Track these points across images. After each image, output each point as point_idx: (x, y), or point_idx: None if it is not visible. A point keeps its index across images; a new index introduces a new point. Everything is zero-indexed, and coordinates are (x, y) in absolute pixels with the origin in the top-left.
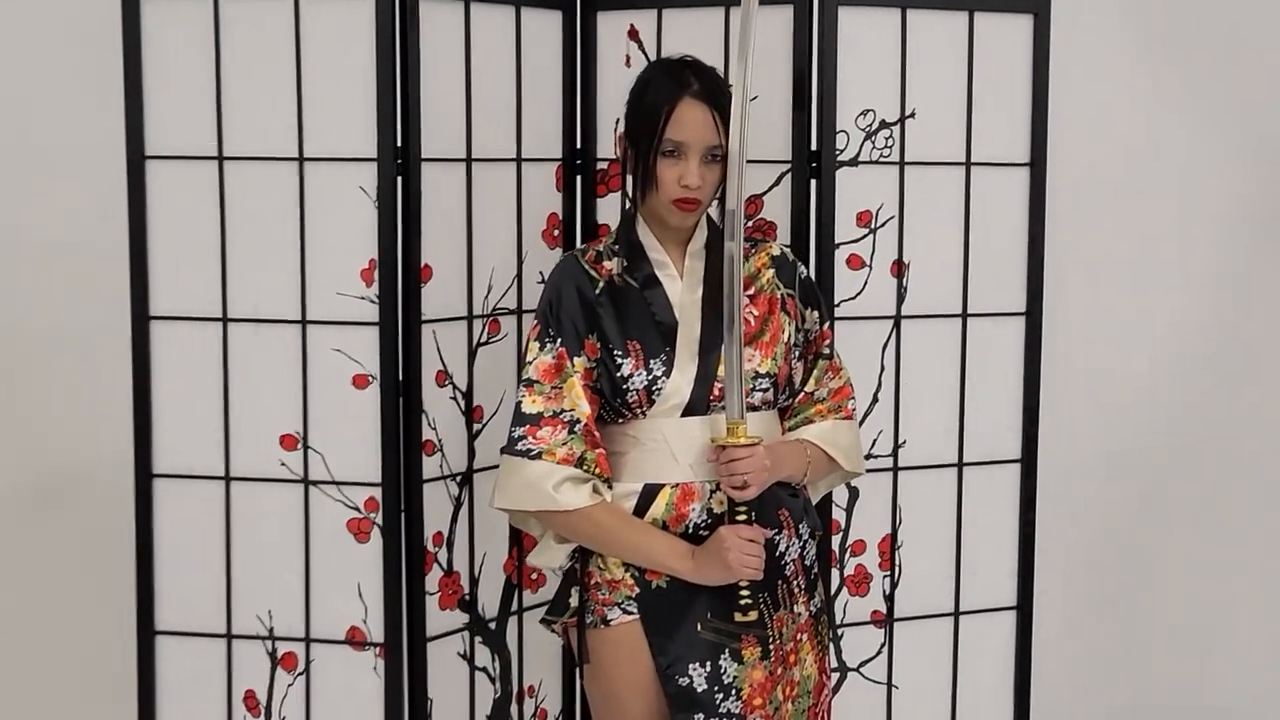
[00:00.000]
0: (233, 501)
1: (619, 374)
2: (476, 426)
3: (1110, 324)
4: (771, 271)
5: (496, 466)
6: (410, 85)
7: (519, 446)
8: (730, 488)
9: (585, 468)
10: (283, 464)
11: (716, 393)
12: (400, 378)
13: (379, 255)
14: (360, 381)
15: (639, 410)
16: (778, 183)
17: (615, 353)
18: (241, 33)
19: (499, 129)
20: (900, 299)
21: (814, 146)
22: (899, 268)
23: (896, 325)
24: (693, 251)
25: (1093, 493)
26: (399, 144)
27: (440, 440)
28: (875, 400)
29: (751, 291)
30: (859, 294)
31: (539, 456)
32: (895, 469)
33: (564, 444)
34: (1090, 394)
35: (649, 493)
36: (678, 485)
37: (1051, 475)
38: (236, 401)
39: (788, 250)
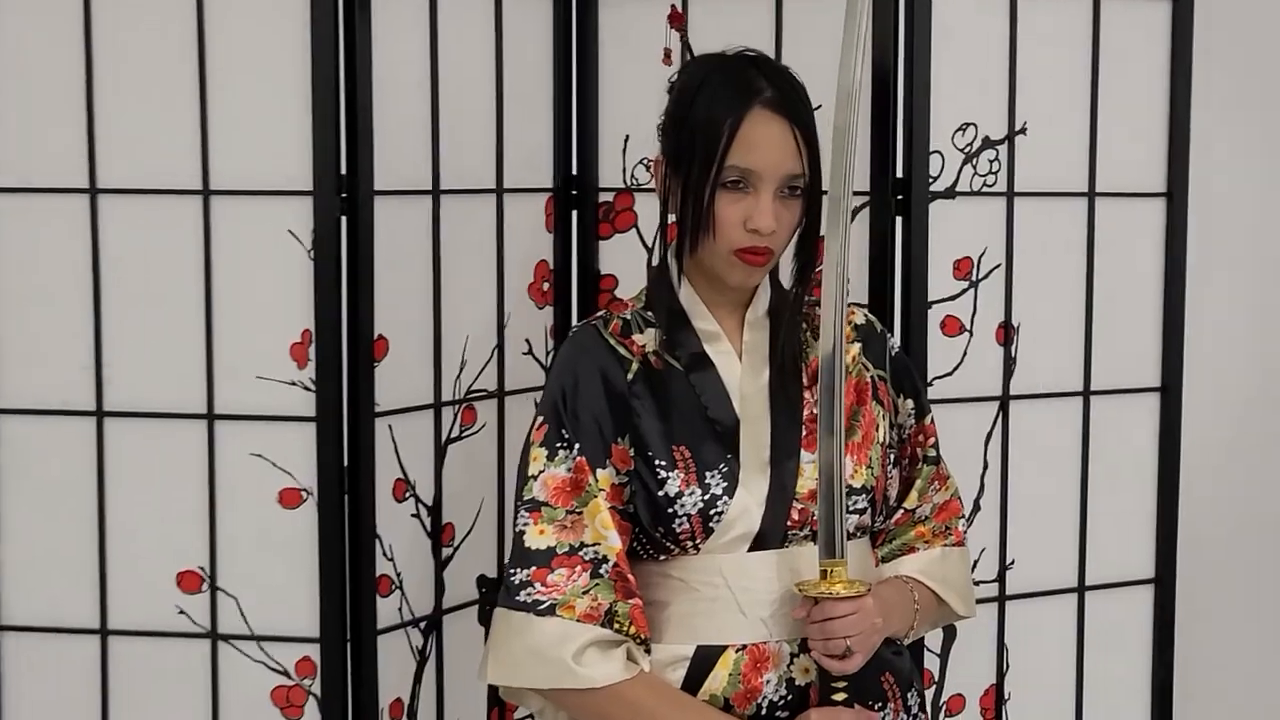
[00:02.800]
0: (111, 664)
1: (662, 493)
2: (447, 551)
3: (1269, 398)
4: (857, 346)
5: (471, 604)
6: (359, 93)
7: (522, 596)
8: (826, 655)
9: (617, 626)
10: (181, 612)
11: (795, 517)
12: (345, 491)
13: (316, 324)
14: (290, 498)
15: (690, 543)
16: (851, 220)
17: (657, 463)
18: (120, 24)
19: (474, 151)
20: (1008, 374)
21: (900, 173)
22: (1006, 332)
23: (1003, 408)
24: (752, 321)
25: (1242, 622)
26: (343, 172)
27: (399, 574)
28: (976, 508)
29: None
30: (956, 368)
31: (551, 611)
32: (1001, 598)
33: (586, 593)
34: (1244, 491)
35: (704, 658)
36: (745, 648)
37: (1194, 599)
38: (116, 526)
39: (873, 317)
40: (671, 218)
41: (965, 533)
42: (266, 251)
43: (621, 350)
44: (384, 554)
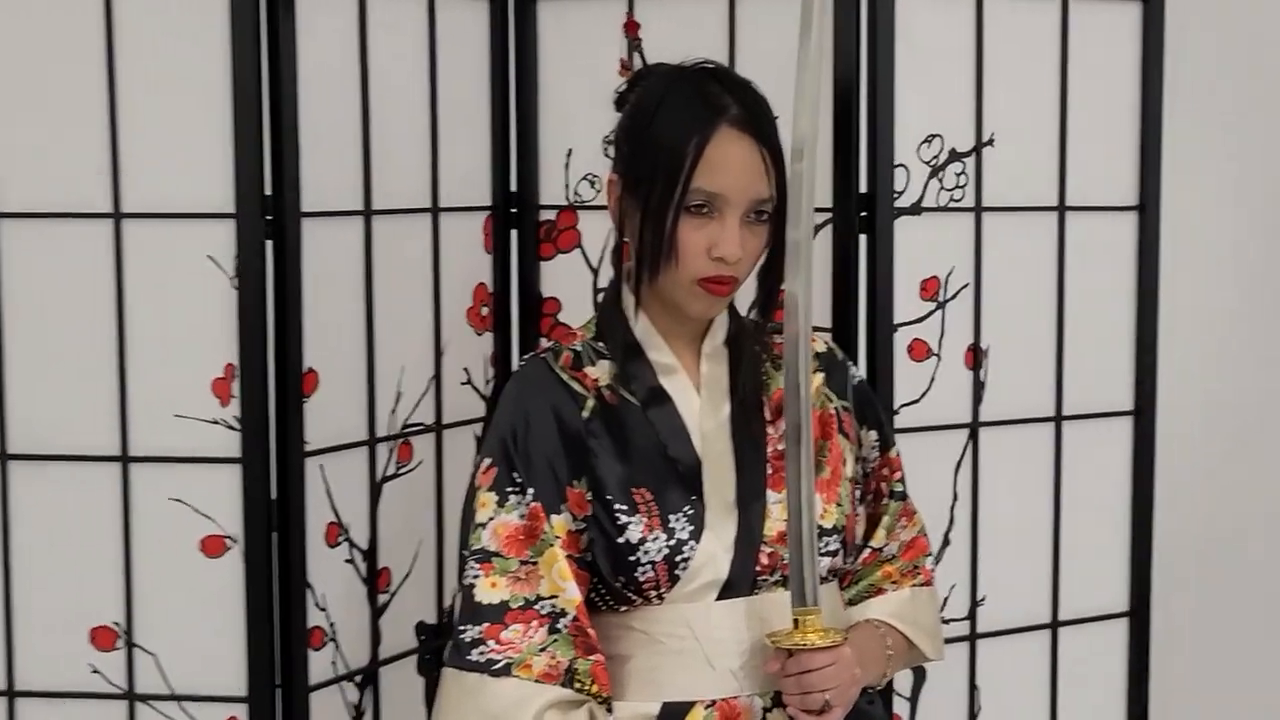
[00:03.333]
0: None
1: (623, 540)
2: (383, 598)
3: (1243, 421)
4: (820, 377)
5: (410, 654)
6: (283, 108)
7: (474, 655)
8: (804, 710)
9: (578, 685)
10: (95, 671)
11: (765, 562)
12: (273, 537)
13: (240, 357)
14: (213, 546)
15: (653, 593)
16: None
17: (616, 508)
18: (20, 32)
19: (408, 168)
20: (977, 399)
21: (863, 188)
22: (975, 356)
23: (973, 436)
24: (709, 352)
25: (1223, 654)
26: (267, 193)
27: (332, 625)
28: (946, 542)
29: None
30: (924, 395)
31: (507, 671)
32: (973, 637)
33: (543, 650)
34: (1220, 518)
35: (671, 716)
36: (714, 704)
37: (1170, 631)
38: (23, 579)
39: (834, 345)
40: (626, 241)
41: (933, 571)
42: (185, 279)
43: (575, 385)
44: (316, 603)
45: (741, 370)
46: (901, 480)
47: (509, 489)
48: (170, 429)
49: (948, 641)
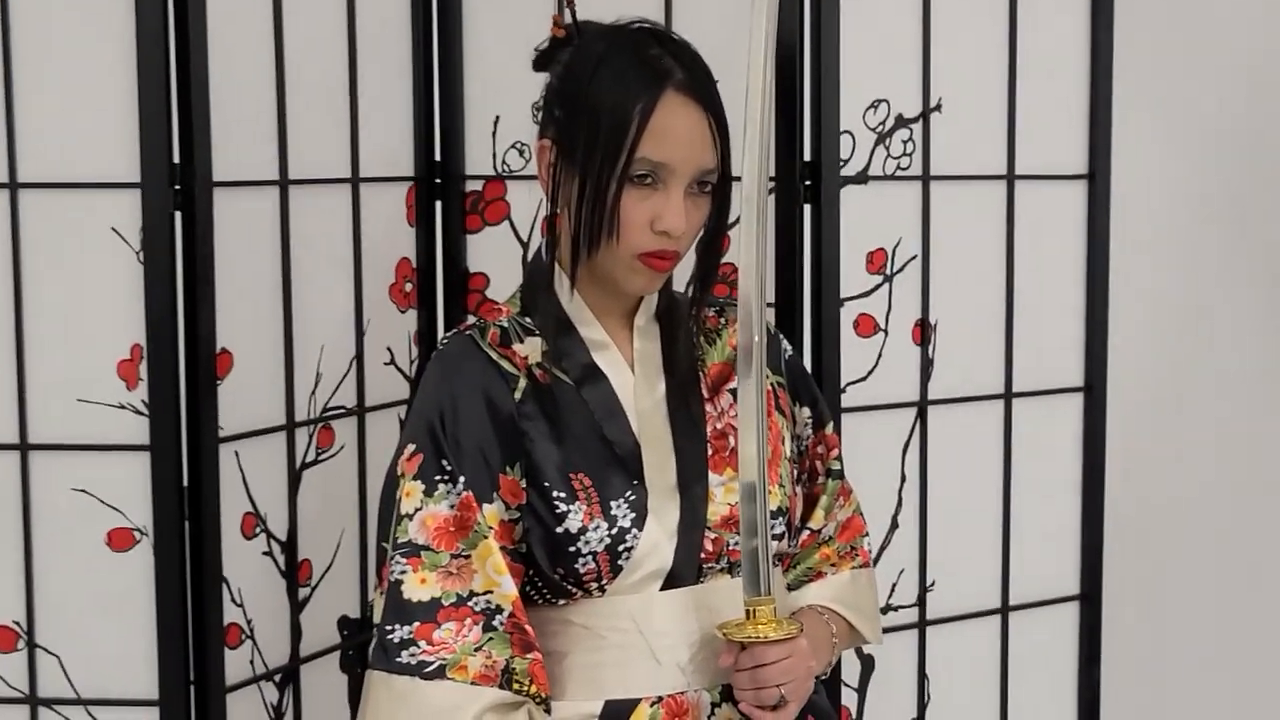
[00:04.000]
0: None
1: (562, 529)
2: (304, 592)
3: (1194, 398)
4: None
5: (333, 650)
6: (193, 70)
7: (405, 658)
8: (757, 706)
9: (516, 686)
10: None
11: (709, 548)
12: (185, 529)
13: (147, 337)
14: (121, 539)
15: (594, 585)
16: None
17: (555, 495)
18: None
19: (325, 136)
20: (925, 377)
21: (808, 155)
22: (923, 331)
23: (921, 415)
24: (641, 327)
25: (1175, 636)
26: (175, 160)
27: (249, 621)
28: (894, 525)
29: (734, 385)
30: (871, 372)
31: (441, 673)
32: (922, 624)
33: (479, 649)
34: (1172, 497)
35: (615, 715)
36: (660, 700)
37: (1121, 613)
38: None
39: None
40: (558, 212)
41: (870, 551)
42: (87, 254)
43: (505, 364)
44: (232, 599)
45: (676, 345)
46: (839, 458)
47: (437, 477)
48: (73, 414)
49: (896, 629)
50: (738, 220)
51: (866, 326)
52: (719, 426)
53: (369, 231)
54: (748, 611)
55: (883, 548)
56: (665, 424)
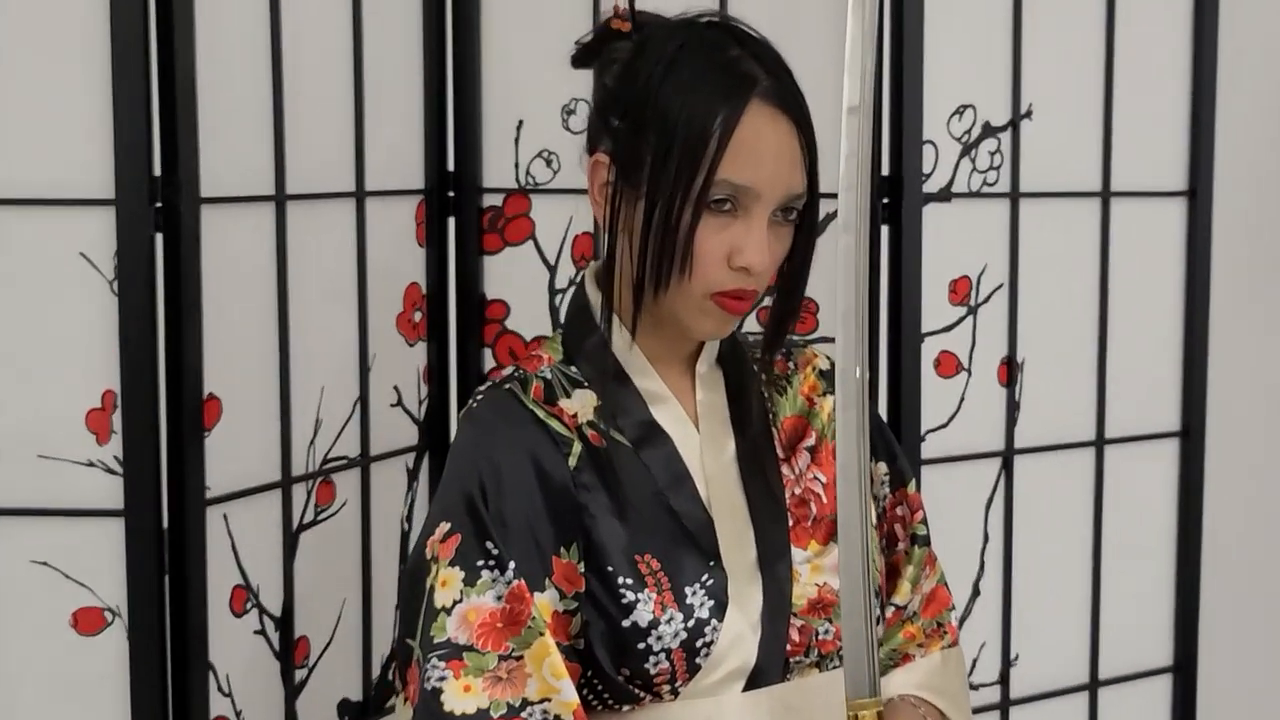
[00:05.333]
0: None
1: (630, 622)
2: (300, 674)
3: None
4: (830, 401)
5: None
6: (178, 70)
7: None
8: None
9: None
10: None
11: (796, 638)
12: (165, 607)
13: (122, 382)
14: (90, 620)
15: (667, 687)
16: (821, 231)
17: (621, 582)
18: None
19: (327, 145)
20: (1011, 422)
21: (886, 169)
22: (1009, 370)
23: (1006, 466)
24: (704, 375)
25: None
26: (156, 174)
27: (239, 712)
28: (976, 593)
29: (811, 442)
30: (953, 418)
31: None
32: (1005, 704)
33: None
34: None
35: None
36: None
37: (1218, 685)
38: None
39: (833, 359)
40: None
41: (957, 626)
42: (51, 283)
43: (554, 424)
44: (219, 688)
45: (746, 397)
46: (924, 521)
47: (480, 563)
48: (34, 473)
49: (979, 711)
50: None
51: (948, 366)
52: (797, 492)
53: (374, 253)
54: (851, 717)
55: (963, 619)
56: (738, 490)
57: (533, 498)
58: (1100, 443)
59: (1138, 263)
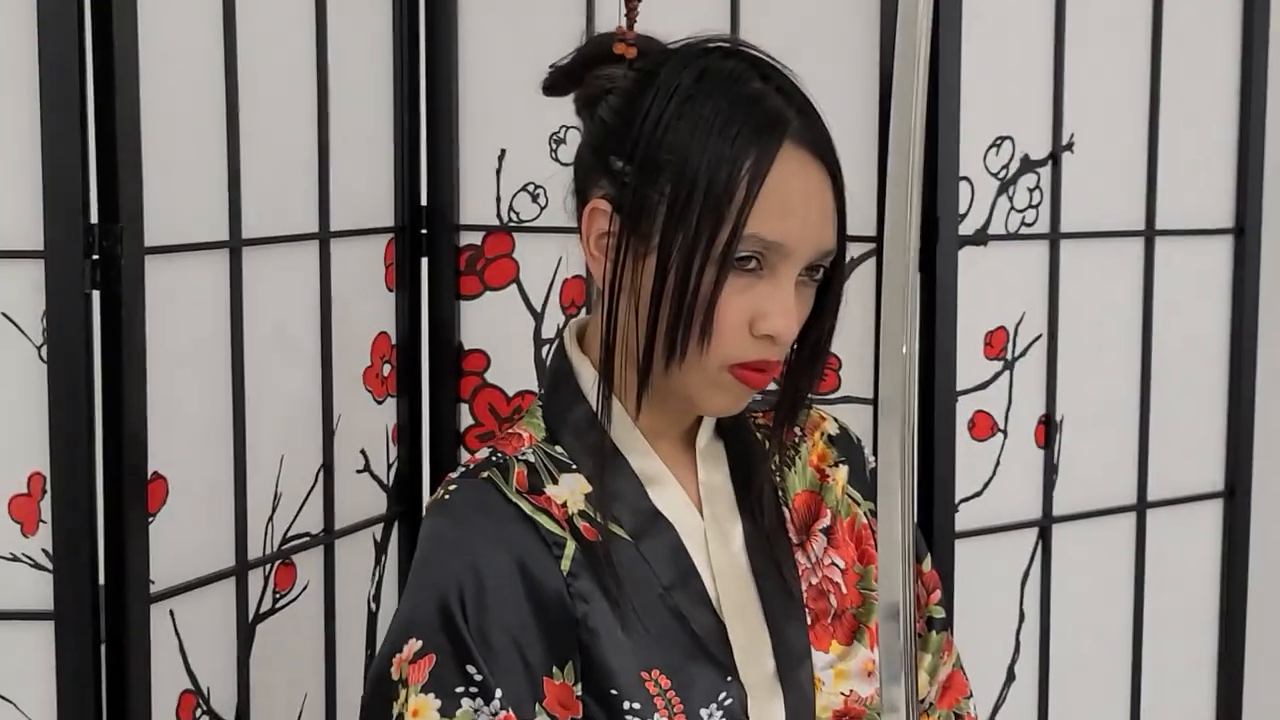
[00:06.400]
0: None
1: None
2: None
3: None
4: (844, 471)
5: None
6: (119, 101)
7: None
8: None
9: None
10: None
11: None
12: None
13: (52, 463)
14: None
15: None
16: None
17: (627, 706)
18: None
19: (287, 181)
20: (1049, 487)
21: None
22: (1047, 431)
23: (1043, 536)
24: (704, 449)
25: None
26: (93, 220)
27: None
28: (1010, 678)
29: (826, 522)
30: (987, 485)
31: None
32: None
33: None
34: None
35: None
36: None
37: None
38: None
39: (844, 423)
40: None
41: (976, 715)
42: None
43: (543, 520)
44: None
45: (752, 472)
46: (942, 604)
47: (460, 689)
48: None
49: None
50: None
51: (983, 427)
52: (814, 582)
53: (339, 300)
54: None
55: (996, 708)
56: (750, 585)
57: (520, 610)
58: (1141, 506)
59: (1181, 307)
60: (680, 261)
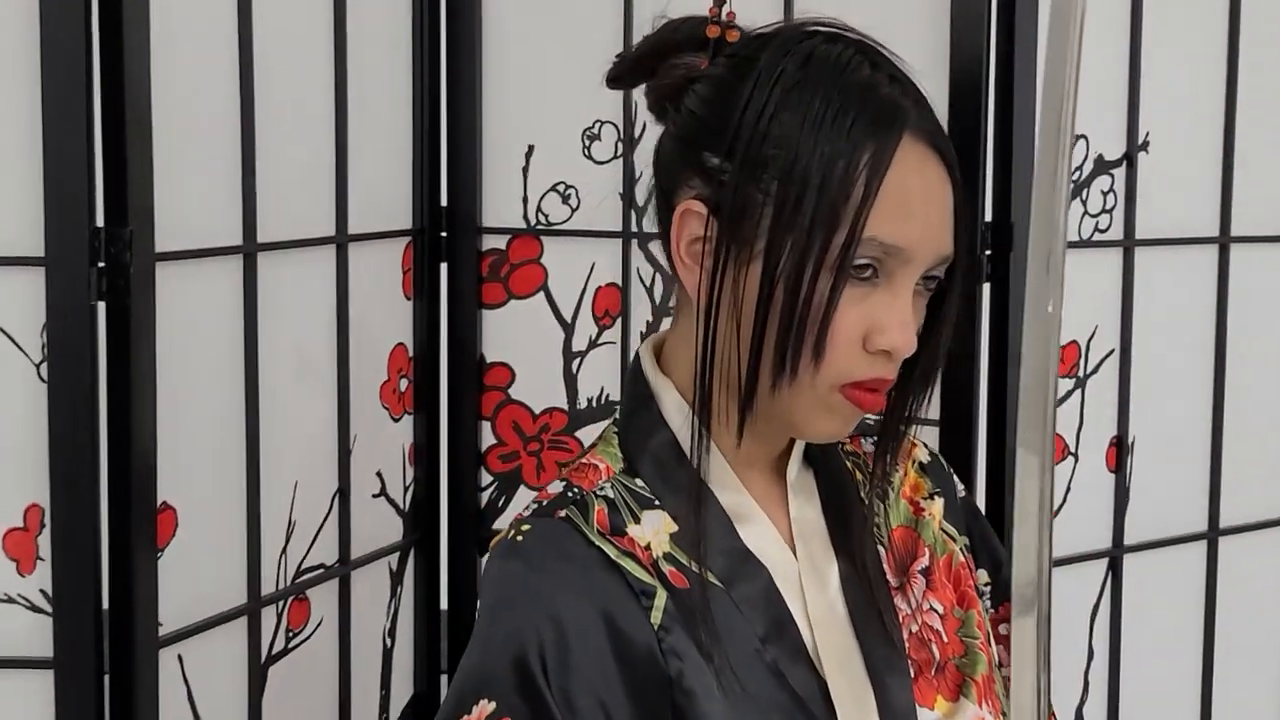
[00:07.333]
0: None
1: None
2: None
3: None
4: (939, 505)
5: None
6: (130, 99)
7: None
8: None
9: None
10: None
11: None
12: None
13: (53, 494)
14: None
15: None
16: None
17: None
18: None
19: (304, 181)
20: (1120, 515)
21: (988, 215)
22: (1118, 453)
23: (1113, 567)
24: (794, 481)
25: None
26: (99, 224)
27: None
28: (1079, 717)
29: (925, 562)
30: (1057, 513)
31: None
32: None
33: None
34: None
35: None
36: None
37: None
38: None
39: (935, 452)
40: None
41: None
42: None
43: (630, 565)
44: None
45: (846, 505)
46: None
47: None
48: None
49: None
50: None
51: (1055, 450)
52: (914, 629)
53: (355, 310)
54: None
55: None
56: (849, 634)
57: (607, 669)
58: (1214, 534)
59: (1254, 320)
60: (790, 269)
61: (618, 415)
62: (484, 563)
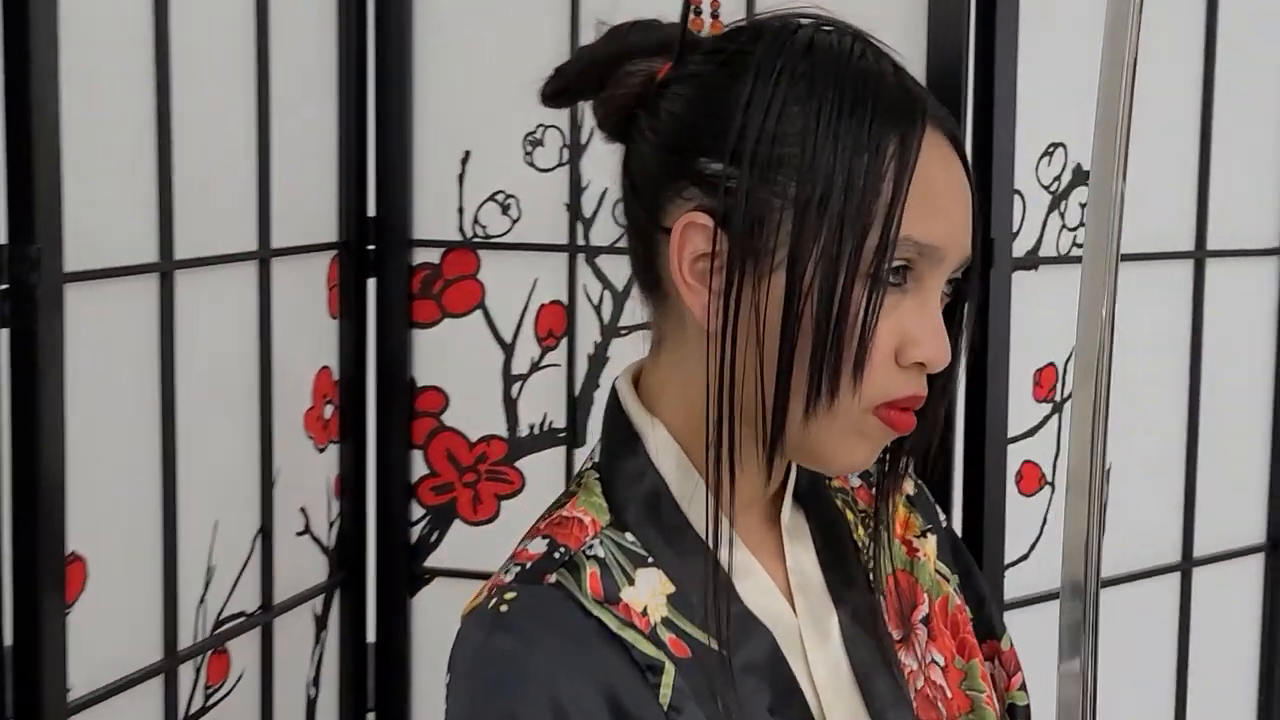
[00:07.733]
0: None
1: None
2: None
3: None
4: (932, 542)
5: None
6: (35, 105)
7: None
8: None
9: None
10: None
11: None
12: None
13: None
14: None
15: None
16: None
17: None
18: None
19: (223, 193)
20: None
21: None
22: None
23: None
24: (788, 525)
25: None
26: (1, 241)
27: None
28: None
29: (925, 610)
30: (1033, 548)
31: None
32: None
33: None
34: None
35: None
36: None
37: None
38: None
39: (916, 478)
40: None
41: None
42: None
43: (631, 636)
44: None
45: (841, 550)
46: (1024, 687)
47: None
48: None
49: None
50: None
51: (1031, 479)
52: (919, 686)
53: (277, 331)
54: None
55: None
56: (855, 697)
57: None
58: (1187, 565)
59: (1227, 339)
60: (821, 279)
61: (596, 459)
62: (455, 635)
